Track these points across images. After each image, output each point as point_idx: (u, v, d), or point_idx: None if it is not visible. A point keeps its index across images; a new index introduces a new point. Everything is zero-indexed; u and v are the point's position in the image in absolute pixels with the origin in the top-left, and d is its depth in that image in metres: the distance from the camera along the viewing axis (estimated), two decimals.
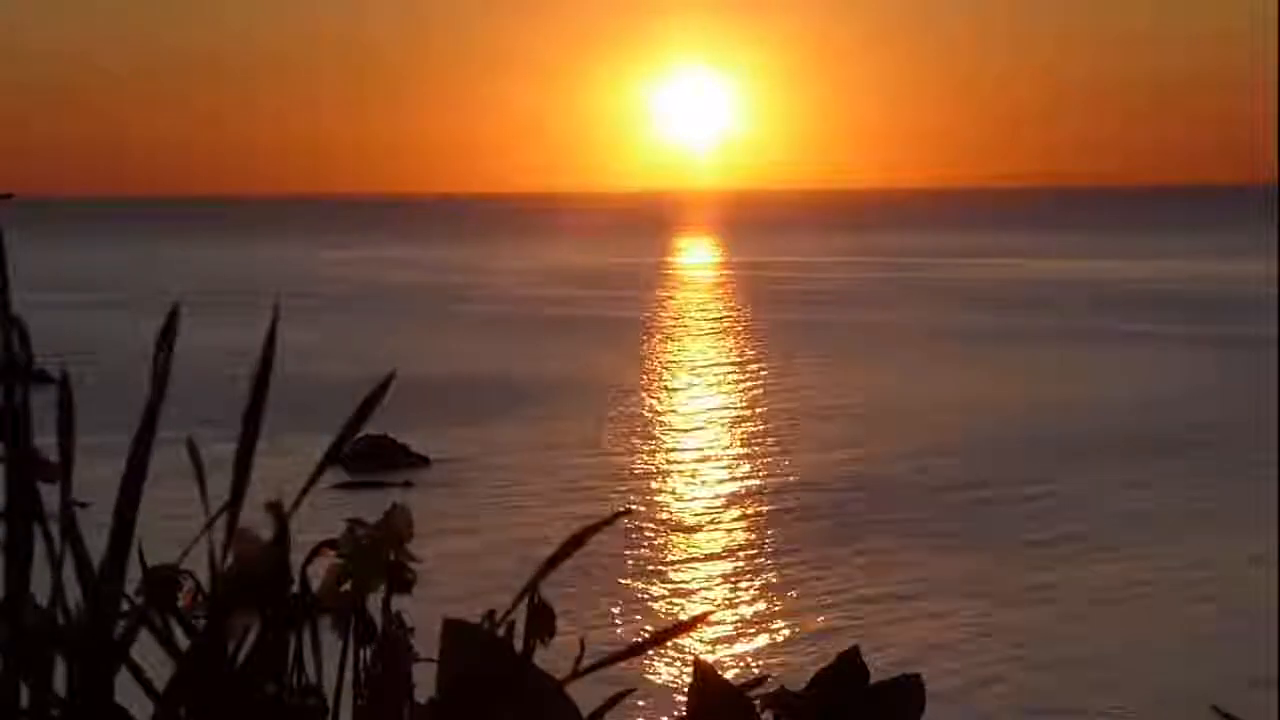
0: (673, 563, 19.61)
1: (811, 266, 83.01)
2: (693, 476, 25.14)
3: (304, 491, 1.80)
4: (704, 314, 56.27)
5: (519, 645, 2.00)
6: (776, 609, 17.63)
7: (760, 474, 25.18)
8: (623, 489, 23.57)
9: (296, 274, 78.73)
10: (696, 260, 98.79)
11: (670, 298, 64.36)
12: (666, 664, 14.21)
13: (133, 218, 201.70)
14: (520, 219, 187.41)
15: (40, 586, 1.80)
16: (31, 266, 72.52)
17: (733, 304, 61.15)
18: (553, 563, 1.93)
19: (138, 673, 1.83)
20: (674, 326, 51.23)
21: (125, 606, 1.82)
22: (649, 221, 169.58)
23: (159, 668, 1.84)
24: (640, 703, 13.09)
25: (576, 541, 1.91)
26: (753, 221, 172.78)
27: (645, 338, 46.64)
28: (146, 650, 1.84)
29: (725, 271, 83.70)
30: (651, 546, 20.17)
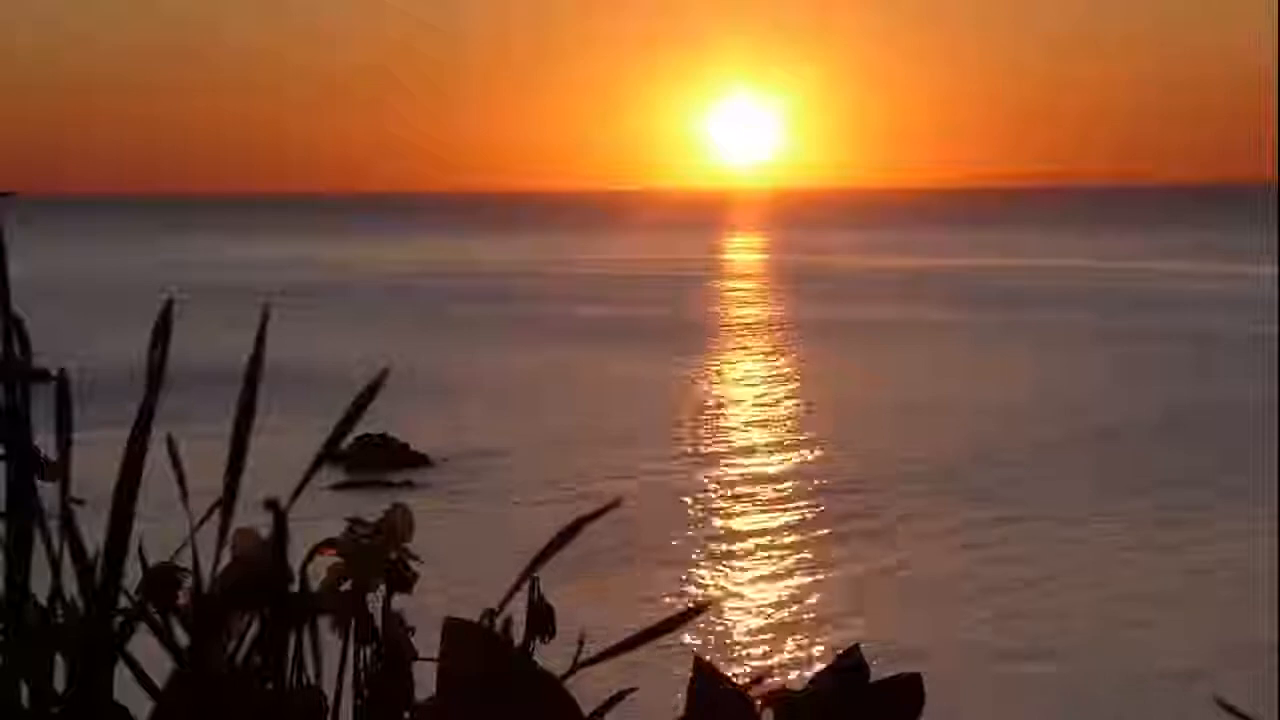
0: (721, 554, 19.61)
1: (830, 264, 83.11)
2: (706, 470, 25.15)
3: (300, 487, 1.79)
4: (741, 310, 56.14)
5: (520, 642, 1.99)
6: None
7: (787, 474, 25.18)
8: (632, 489, 23.56)
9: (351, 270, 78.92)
10: (744, 254, 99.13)
11: (701, 294, 64.20)
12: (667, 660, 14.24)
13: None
14: (586, 214, 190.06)
15: (39, 585, 1.79)
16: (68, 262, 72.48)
17: (778, 295, 61.20)
18: (547, 554, 1.93)
19: (137, 670, 1.83)
20: (698, 322, 51.00)
21: (124, 604, 1.81)
22: (701, 219, 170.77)
23: (159, 665, 1.84)
24: (640, 701, 13.08)
25: (571, 532, 1.90)
26: (796, 218, 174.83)
27: (664, 335, 46.52)
28: (146, 648, 1.84)
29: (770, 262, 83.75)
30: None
